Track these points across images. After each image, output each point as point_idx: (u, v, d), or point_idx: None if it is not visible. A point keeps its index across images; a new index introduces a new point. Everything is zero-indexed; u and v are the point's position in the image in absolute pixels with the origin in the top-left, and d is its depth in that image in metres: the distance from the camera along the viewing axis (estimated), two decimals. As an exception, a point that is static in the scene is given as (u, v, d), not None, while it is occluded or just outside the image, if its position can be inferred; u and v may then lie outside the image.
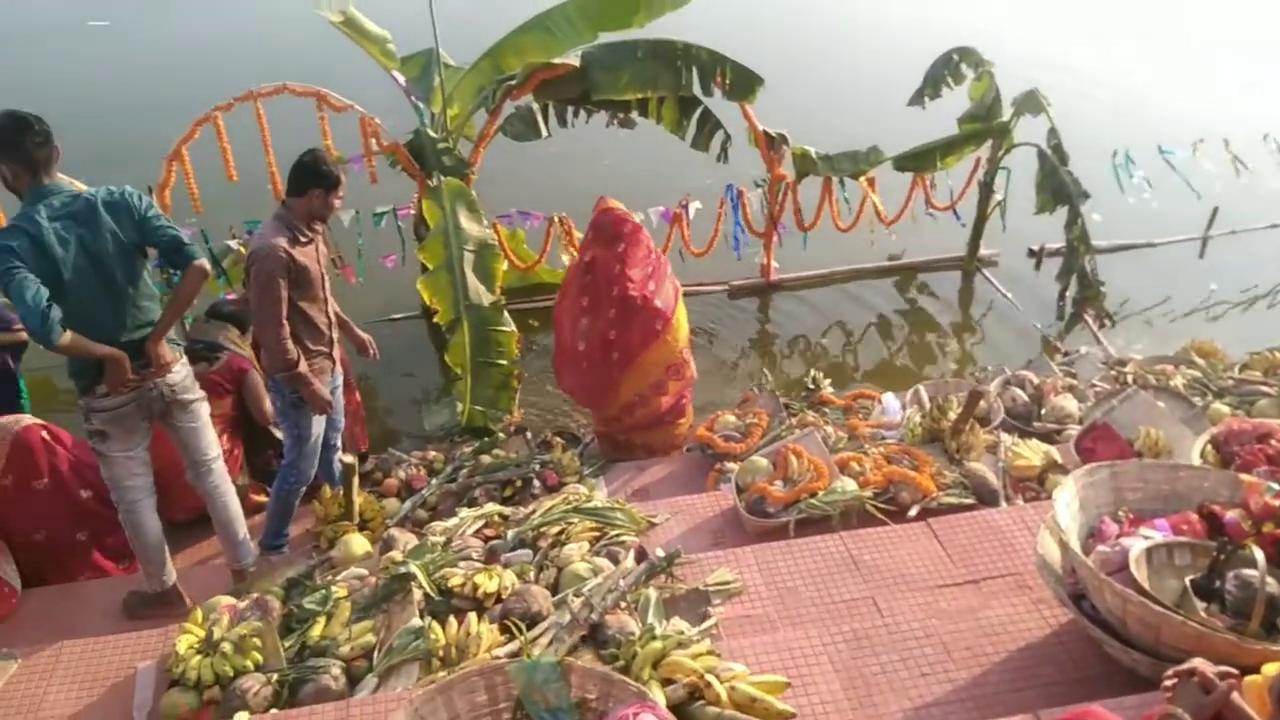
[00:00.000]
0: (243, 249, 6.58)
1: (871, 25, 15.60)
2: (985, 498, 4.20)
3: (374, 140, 6.61)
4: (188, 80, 10.78)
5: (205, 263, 3.75)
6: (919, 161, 7.83)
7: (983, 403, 4.90)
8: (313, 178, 4.19)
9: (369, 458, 5.52)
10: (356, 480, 4.70)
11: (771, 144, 7.36)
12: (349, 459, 4.65)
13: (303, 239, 4.24)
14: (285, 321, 4.19)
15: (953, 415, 4.66)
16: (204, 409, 4.10)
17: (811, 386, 5.87)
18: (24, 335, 5.04)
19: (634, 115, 7.05)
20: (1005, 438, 4.65)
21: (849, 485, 4.26)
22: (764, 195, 7.61)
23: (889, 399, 5.36)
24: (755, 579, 3.67)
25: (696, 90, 6.80)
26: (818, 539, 3.89)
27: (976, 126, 7.83)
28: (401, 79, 6.99)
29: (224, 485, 4.26)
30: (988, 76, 7.77)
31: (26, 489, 4.38)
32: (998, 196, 8.15)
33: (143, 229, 3.67)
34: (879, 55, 13.51)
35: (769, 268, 8.03)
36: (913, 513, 4.10)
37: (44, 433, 4.45)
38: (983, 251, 8.50)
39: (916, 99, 7.92)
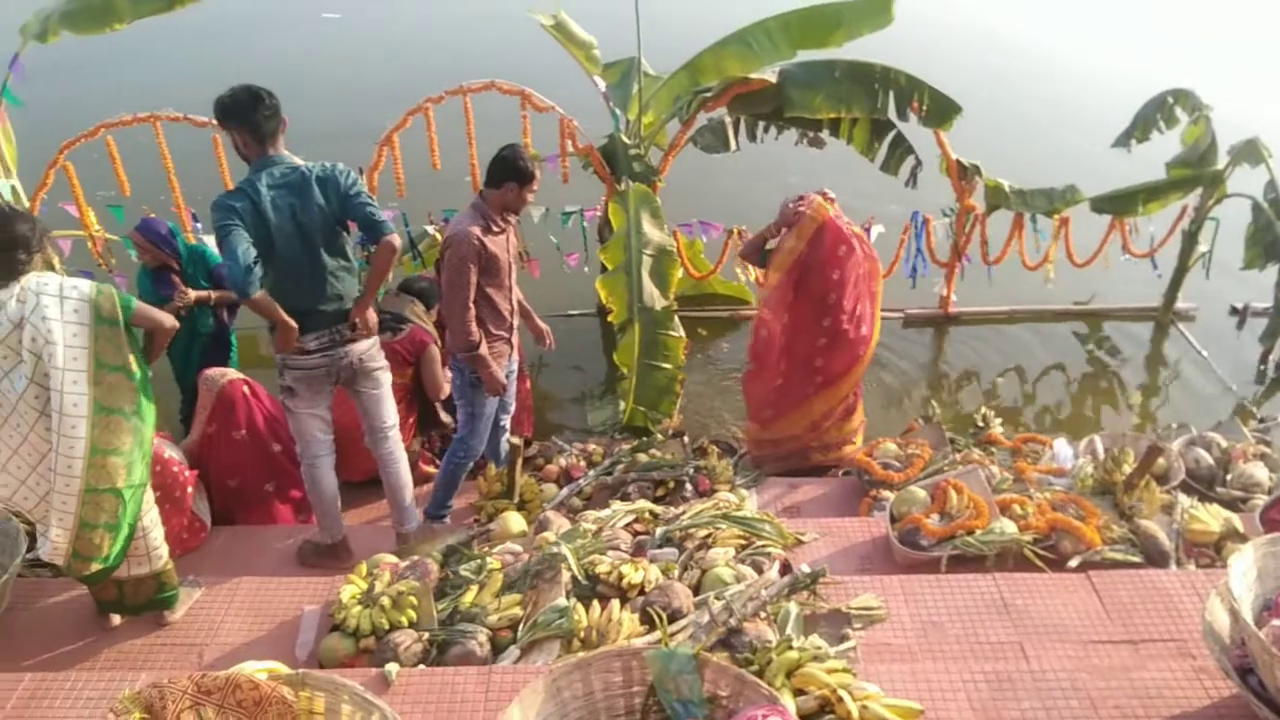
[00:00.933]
0: (438, 234, 6.95)
1: (1067, 65, 14.99)
2: (1154, 558, 4.00)
3: (570, 141, 6.86)
4: (404, 71, 11.44)
5: (395, 239, 4.02)
6: (1119, 204, 7.49)
7: (1162, 460, 4.67)
8: (510, 172, 4.43)
9: (533, 443, 5.74)
10: (520, 462, 4.90)
11: (963, 174, 7.21)
12: (515, 441, 4.85)
13: (495, 229, 4.48)
14: (471, 305, 4.44)
15: (1128, 469, 4.46)
16: (386, 378, 4.38)
17: (980, 424, 5.73)
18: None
19: (824, 134, 7.04)
20: (1183, 499, 4.40)
21: (1008, 527, 4.15)
22: (950, 225, 7.46)
23: (1061, 445, 5.17)
24: (900, 608, 3.63)
25: (891, 114, 6.73)
26: (969, 577, 3.81)
27: (1187, 173, 7.43)
28: (602, 84, 7.21)
29: (398, 452, 4.53)
30: (1204, 121, 7.36)
31: (227, 438, 4.79)
32: (1202, 248, 7.70)
33: (344, 204, 3.97)
34: (1074, 93, 12.99)
35: (948, 299, 7.86)
36: (1073, 564, 3.96)
37: (245, 387, 4.86)
38: (1180, 304, 8.05)
39: (1123, 140, 7.58)
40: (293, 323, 3.96)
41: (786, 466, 5.48)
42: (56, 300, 3.24)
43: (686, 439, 5.65)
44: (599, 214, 7.19)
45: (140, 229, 5.45)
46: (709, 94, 6.85)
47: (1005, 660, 3.28)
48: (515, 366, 4.97)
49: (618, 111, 7.17)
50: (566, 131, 6.80)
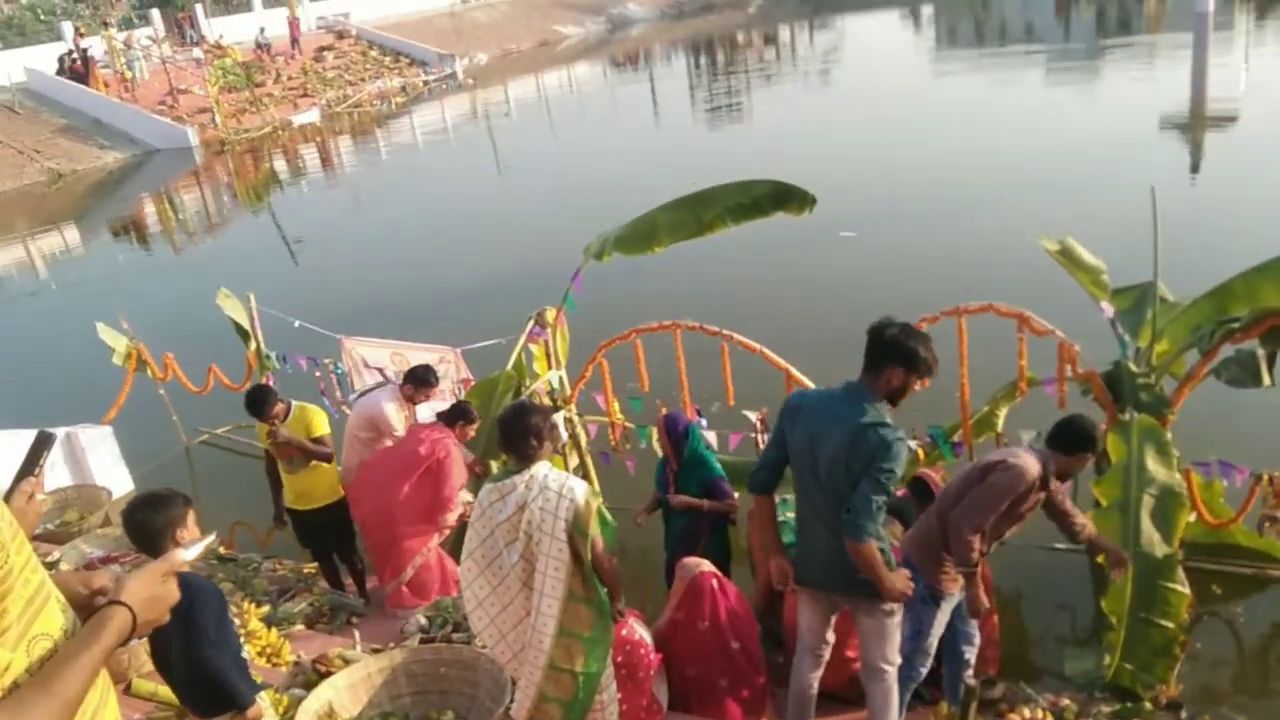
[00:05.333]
0: (921, 450, 6.93)
1: None
2: None
3: (1070, 366, 6.56)
4: (908, 289, 11.79)
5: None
6: None
7: None
8: (1086, 444, 4.63)
9: (997, 684, 5.34)
10: (975, 705, 4.57)
11: None
12: (972, 683, 4.56)
13: (1048, 485, 4.59)
14: (985, 528, 4.47)
15: None
16: None
17: None
18: (734, 505, 5.96)
19: (1390, 374, 6.00)
20: None
21: None
22: None
23: None
24: None
25: None
26: None
27: None
28: (1109, 309, 6.84)
29: None
30: None
31: (692, 626, 5.07)
32: None
33: None
34: None
35: None
36: None
37: (715, 580, 5.13)
38: None
39: None
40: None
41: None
42: (556, 496, 3.77)
43: (1185, 714, 4.93)
44: (1098, 444, 6.69)
45: (662, 421, 6.14)
46: (1236, 324, 6.19)
47: None
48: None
49: (1126, 338, 6.73)
50: (1066, 355, 6.51)
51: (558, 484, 3.79)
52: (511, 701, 4.15)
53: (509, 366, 7.85)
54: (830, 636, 4.60)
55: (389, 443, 6.76)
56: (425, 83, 42.22)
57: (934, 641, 4.73)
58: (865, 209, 15.73)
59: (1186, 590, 5.52)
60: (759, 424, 7.36)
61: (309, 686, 4.51)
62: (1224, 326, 6.29)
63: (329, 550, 6.73)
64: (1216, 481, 6.72)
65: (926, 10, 50.67)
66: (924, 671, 4.79)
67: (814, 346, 9.12)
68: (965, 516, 4.48)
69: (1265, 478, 6.35)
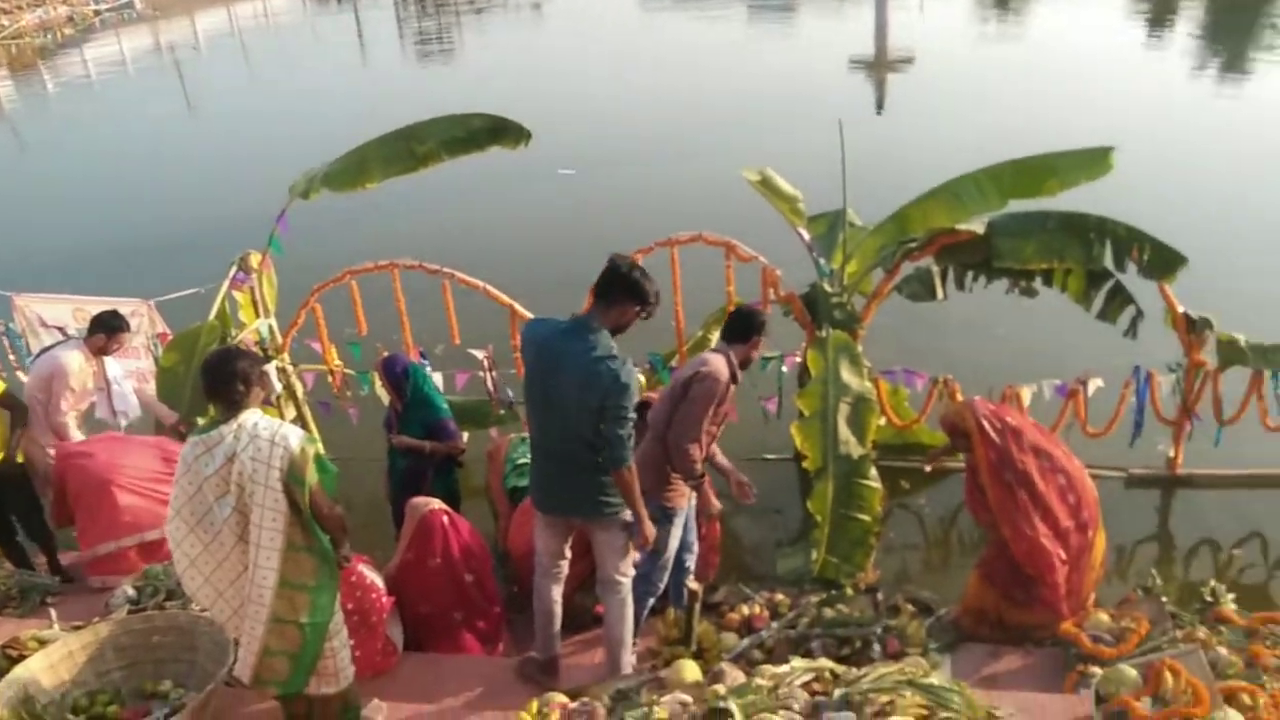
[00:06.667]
0: (643, 375, 7.16)
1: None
2: None
3: (772, 289, 6.97)
4: (623, 224, 12.07)
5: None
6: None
7: None
8: (755, 329, 4.95)
9: (719, 589, 5.68)
10: (698, 608, 4.86)
11: (1192, 327, 6.72)
12: (695, 586, 4.83)
13: (737, 379, 4.89)
14: (700, 438, 4.73)
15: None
16: None
17: (1209, 599, 5.19)
18: (461, 447, 5.90)
19: (1037, 284, 6.82)
20: None
21: (1233, 718, 3.70)
22: (1178, 381, 6.93)
23: (1307, 630, 4.60)
24: (1098, 801, 3.29)
25: (1109, 264, 6.45)
26: (1182, 773, 3.42)
27: None
28: (806, 235, 7.34)
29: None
30: None
31: (423, 565, 5.03)
32: None
33: None
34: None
35: (1177, 460, 7.24)
36: (1312, 770, 3.47)
37: (445, 517, 5.10)
38: None
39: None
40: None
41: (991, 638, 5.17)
42: (269, 444, 3.58)
43: (880, 595, 5.45)
44: (799, 360, 7.20)
45: (380, 363, 5.95)
46: (914, 244, 6.82)
47: None
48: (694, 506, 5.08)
49: (821, 261, 7.25)
50: (769, 280, 6.92)
51: (269, 432, 3.60)
52: (235, 661, 3.96)
53: (211, 316, 7.33)
54: (567, 553, 4.72)
55: (64, 404, 6.15)
56: (96, 13, 38.10)
57: (670, 557, 4.97)
58: (582, 147, 15.91)
59: (879, 486, 6.10)
60: (486, 362, 7.33)
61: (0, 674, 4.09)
62: (904, 247, 6.92)
63: (9, 524, 6.06)
64: (901, 387, 7.44)
65: (632, -51, 51.32)
66: (661, 586, 5.03)
67: (537, 282, 9.17)
68: (681, 433, 4.72)
69: (940, 381, 7.09)
